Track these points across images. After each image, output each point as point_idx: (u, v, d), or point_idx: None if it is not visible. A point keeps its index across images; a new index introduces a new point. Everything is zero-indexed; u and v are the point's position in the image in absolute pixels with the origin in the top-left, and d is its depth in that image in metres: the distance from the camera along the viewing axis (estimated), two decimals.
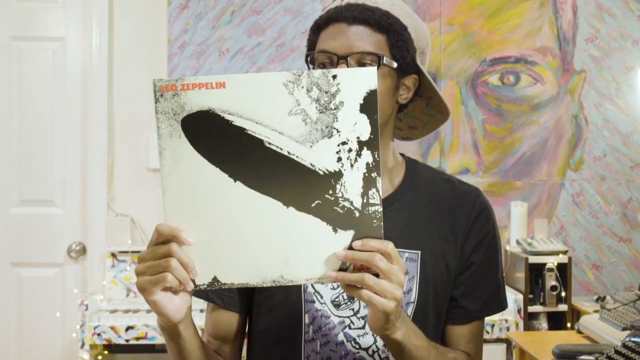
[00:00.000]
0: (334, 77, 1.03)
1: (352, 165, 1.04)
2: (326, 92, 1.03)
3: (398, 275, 1.06)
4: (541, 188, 3.62)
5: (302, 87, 1.02)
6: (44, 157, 3.54)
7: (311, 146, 1.03)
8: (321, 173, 1.04)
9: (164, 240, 1.05)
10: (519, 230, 3.47)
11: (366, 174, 1.05)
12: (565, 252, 3.32)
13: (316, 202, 1.05)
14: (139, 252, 3.38)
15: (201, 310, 3.00)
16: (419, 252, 1.32)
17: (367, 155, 1.04)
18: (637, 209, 3.64)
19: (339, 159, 1.04)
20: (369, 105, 1.03)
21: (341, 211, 1.05)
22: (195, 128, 1.04)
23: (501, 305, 1.39)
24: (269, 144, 1.03)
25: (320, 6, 3.55)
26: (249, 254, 1.07)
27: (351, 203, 1.05)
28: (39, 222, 3.54)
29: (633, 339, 1.90)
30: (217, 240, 1.07)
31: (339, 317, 1.30)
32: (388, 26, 1.27)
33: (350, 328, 1.30)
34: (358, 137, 1.04)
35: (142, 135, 3.55)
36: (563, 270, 3.26)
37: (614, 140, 3.64)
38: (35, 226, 3.53)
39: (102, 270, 3.43)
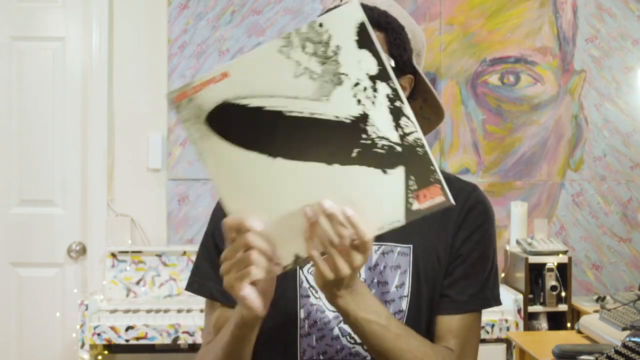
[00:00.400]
0: (321, 25, 1.01)
1: (373, 103, 1.02)
2: (320, 43, 1.01)
3: (356, 261, 1.07)
4: (541, 188, 3.62)
5: (297, 47, 1.01)
6: (44, 157, 3.54)
7: (327, 99, 1.02)
8: (348, 122, 1.03)
9: (236, 233, 1.06)
10: (519, 230, 3.47)
11: (390, 106, 1.03)
12: (565, 252, 3.32)
13: (356, 150, 1.03)
14: (139, 252, 3.39)
15: (201, 310, 3.00)
16: (411, 246, 1.33)
17: (383, 88, 1.02)
18: (637, 209, 3.64)
19: (359, 102, 1.02)
20: (364, 38, 1.01)
21: (383, 151, 1.03)
22: (220, 123, 1.04)
23: (489, 301, 1.37)
24: (290, 112, 1.03)
25: (320, 6, 3.55)
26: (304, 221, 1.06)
27: (388, 140, 1.03)
28: (39, 222, 3.54)
29: (633, 339, 1.90)
30: (281, 218, 1.06)
31: (334, 311, 1.31)
32: (386, 24, 1.29)
33: (345, 323, 1.30)
34: (367, 74, 1.02)
35: (142, 135, 3.55)
36: (563, 270, 3.26)
37: (614, 140, 3.64)
38: (35, 226, 3.54)
39: (102, 270, 3.43)
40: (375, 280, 1.32)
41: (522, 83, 3.62)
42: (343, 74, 1.01)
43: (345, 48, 1.01)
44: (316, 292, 1.32)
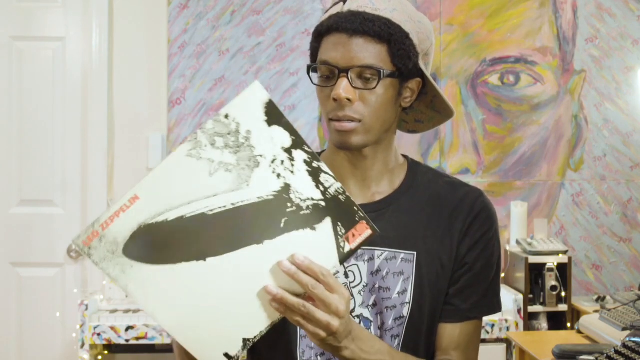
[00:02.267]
0: (227, 116, 1.00)
1: (292, 172, 1.03)
2: (229, 134, 1.00)
3: (337, 305, 1.08)
4: (541, 188, 3.62)
5: (206, 146, 1.00)
6: (44, 157, 3.54)
7: (248, 184, 1.02)
8: (271, 197, 1.03)
9: None
10: (519, 230, 3.47)
11: (308, 169, 1.04)
12: (565, 252, 3.32)
13: (283, 220, 1.04)
14: None
15: None
16: (415, 253, 1.32)
17: (299, 155, 1.03)
18: (637, 209, 3.64)
19: (279, 176, 1.03)
20: (272, 116, 1.02)
21: (309, 212, 1.05)
22: (139, 249, 1.01)
23: (492, 308, 1.38)
24: (211, 210, 1.01)
25: (320, 6, 3.55)
26: (259, 299, 1.06)
27: (312, 199, 1.04)
28: (39, 222, 3.54)
29: (633, 339, 1.90)
30: (225, 312, 1.06)
31: None
32: (389, 36, 1.26)
33: None
34: (282, 147, 1.02)
35: (142, 135, 3.55)
36: (563, 270, 3.26)
37: (614, 140, 3.64)
38: (35, 226, 3.53)
39: None
40: (377, 286, 1.31)
41: (522, 83, 3.62)
42: (259, 155, 1.02)
43: (255, 130, 1.01)
44: None
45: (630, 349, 1.87)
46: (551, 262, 3.26)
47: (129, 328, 3.03)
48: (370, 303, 1.31)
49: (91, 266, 3.49)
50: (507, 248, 3.49)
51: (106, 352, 3.23)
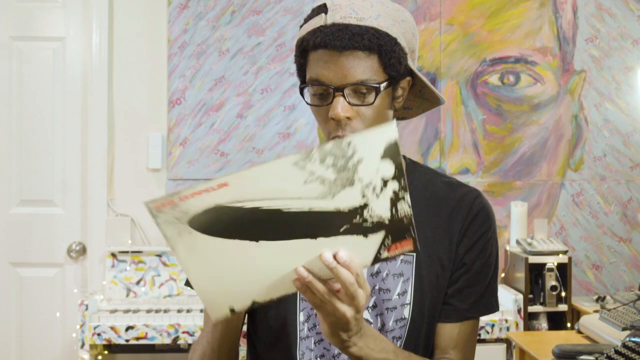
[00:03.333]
0: (349, 143, 1.00)
1: (377, 196, 1.03)
2: (342, 157, 1.00)
3: (360, 299, 1.08)
4: (541, 188, 3.62)
5: (314, 161, 0.99)
6: (44, 157, 3.54)
7: (332, 197, 1.02)
8: (346, 210, 1.04)
9: None
10: (519, 230, 3.47)
11: (393, 197, 1.04)
12: (565, 252, 3.32)
13: (344, 227, 1.04)
14: (139, 252, 3.39)
15: (200, 310, 3.00)
16: (414, 254, 1.32)
17: (393, 184, 1.03)
18: (637, 209, 3.64)
19: (363, 196, 1.03)
20: (390, 153, 1.01)
21: (371, 225, 1.05)
22: (204, 222, 1.02)
23: (490, 308, 1.39)
24: (288, 209, 1.02)
25: None
26: (283, 273, 1.07)
27: (380, 217, 1.05)
28: (39, 222, 3.54)
29: (633, 339, 1.90)
30: (248, 279, 1.07)
31: None
32: (379, 47, 1.24)
33: None
34: (382, 177, 1.02)
35: (142, 135, 3.55)
36: (563, 270, 3.26)
37: (614, 140, 3.64)
38: (35, 226, 3.54)
39: (102, 270, 3.43)
40: (377, 287, 1.32)
41: (522, 83, 3.62)
42: (357, 179, 1.02)
43: (367, 160, 1.01)
44: None
45: (630, 349, 1.87)
46: (551, 262, 3.26)
47: (129, 328, 3.03)
48: (371, 305, 1.31)
49: (91, 266, 3.50)
50: (507, 248, 3.49)
51: (106, 352, 3.23)
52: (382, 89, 1.25)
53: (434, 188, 1.38)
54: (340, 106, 1.23)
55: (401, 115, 1.47)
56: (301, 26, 1.32)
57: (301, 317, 1.32)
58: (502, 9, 3.61)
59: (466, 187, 1.40)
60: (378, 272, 1.32)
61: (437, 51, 3.58)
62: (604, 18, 3.63)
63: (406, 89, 1.34)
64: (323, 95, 1.26)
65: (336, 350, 1.31)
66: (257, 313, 1.37)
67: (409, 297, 1.32)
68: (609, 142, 3.64)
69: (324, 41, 1.23)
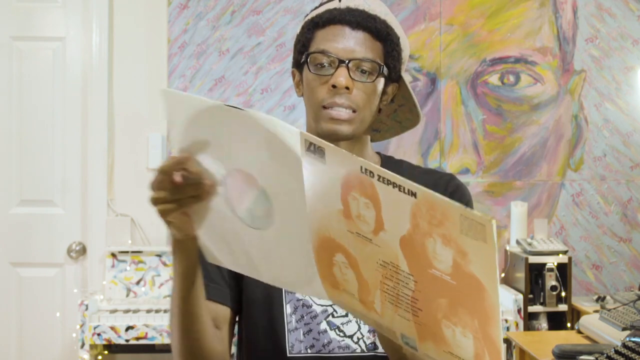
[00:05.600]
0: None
1: None
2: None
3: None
4: (541, 188, 3.62)
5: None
6: (44, 157, 3.54)
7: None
8: None
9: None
10: (519, 230, 3.47)
11: None
12: (565, 252, 3.32)
13: None
14: (139, 252, 3.39)
15: None
16: None
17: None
18: (637, 209, 3.64)
19: None
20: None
21: None
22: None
23: None
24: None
25: None
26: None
27: None
28: (39, 222, 3.54)
29: (633, 339, 1.90)
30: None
31: (322, 305, 1.33)
32: (386, 35, 1.30)
33: (333, 317, 1.33)
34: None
35: (142, 135, 3.55)
36: (563, 270, 3.26)
37: (614, 140, 3.64)
38: (35, 226, 3.53)
39: (102, 270, 3.43)
40: None
41: (522, 83, 3.62)
42: None
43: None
44: None
45: (630, 349, 1.87)
46: (551, 262, 3.26)
47: (129, 328, 3.03)
48: None
49: (91, 266, 3.50)
50: (507, 248, 3.49)
51: (106, 352, 3.23)
52: (384, 70, 1.29)
53: (412, 178, 1.39)
54: (343, 75, 1.27)
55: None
56: (307, 15, 1.40)
57: (288, 309, 1.33)
58: (502, 9, 3.61)
59: (441, 172, 1.44)
60: None
61: (437, 51, 3.58)
62: (604, 18, 3.63)
63: (390, 95, 1.37)
64: (324, 67, 1.30)
65: (326, 340, 1.32)
66: (243, 310, 1.36)
67: None
68: (609, 142, 3.64)
69: (337, 16, 1.30)
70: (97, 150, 3.51)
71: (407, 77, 1.39)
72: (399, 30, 1.35)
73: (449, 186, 1.39)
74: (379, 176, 0.91)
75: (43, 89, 3.54)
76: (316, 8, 1.37)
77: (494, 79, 3.61)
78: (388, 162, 1.42)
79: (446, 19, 3.59)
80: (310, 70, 1.31)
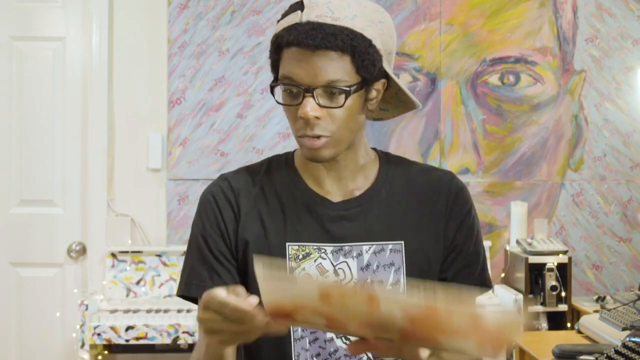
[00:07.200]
0: None
1: None
2: None
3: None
4: (541, 188, 3.62)
5: None
6: (44, 157, 3.54)
7: None
8: None
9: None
10: (519, 230, 3.47)
11: None
12: (565, 252, 3.32)
13: None
14: (139, 252, 3.39)
15: None
16: (402, 242, 1.34)
17: None
18: (637, 209, 3.64)
19: None
20: None
21: None
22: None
23: (488, 284, 1.40)
24: None
25: None
26: None
27: None
28: (39, 222, 3.54)
29: (633, 339, 1.90)
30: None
31: None
32: (352, 48, 1.23)
33: None
34: None
35: (142, 135, 3.55)
36: (563, 270, 3.26)
37: (614, 140, 3.64)
38: (35, 226, 3.53)
39: (102, 270, 3.43)
40: (369, 280, 1.32)
41: (522, 83, 3.62)
42: None
43: None
44: None
45: (630, 349, 1.87)
46: (551, 262, 3.26)
47: (129, 328, 3.03)
48: None
49: (91, 266, 3.50)
50: (507, 248, 3.49)
51: (106, 352, 3.23)
52: (352, 91, 1.25)
53: (410, 175, 1.40)
54: (310, 106, 1.24)
55: (377, 116, 1.47)
56: (278, 22, 1.31)
57: None
58: (502, 9, 3.61)
59: (439, 170, 1.43)
60: (368, 265, 1.32)
61: (437, 51, 3.58)
62: (604, 18, 3.63)
63: (380, 91, 1.33)
64: (293, 94, 1.27)
65: (332, 348, 1.31)
66: None
67: (402, 287, 1.33)
68: (609, 142, 3.64)
69: (297, 39, 1.24)
70: (97, 150, 3.51)
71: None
72: (371, 29, 1.27)
73: (452, 187, 1.38)
74: None
75: (43, 89, 3.54)
76: (283, 17, 1.30)
77: (494, 79, 3.61)
78: (385, 159, 1.41)
79: (446, 19, 3.59)
80: (281, 99, 1.30)
